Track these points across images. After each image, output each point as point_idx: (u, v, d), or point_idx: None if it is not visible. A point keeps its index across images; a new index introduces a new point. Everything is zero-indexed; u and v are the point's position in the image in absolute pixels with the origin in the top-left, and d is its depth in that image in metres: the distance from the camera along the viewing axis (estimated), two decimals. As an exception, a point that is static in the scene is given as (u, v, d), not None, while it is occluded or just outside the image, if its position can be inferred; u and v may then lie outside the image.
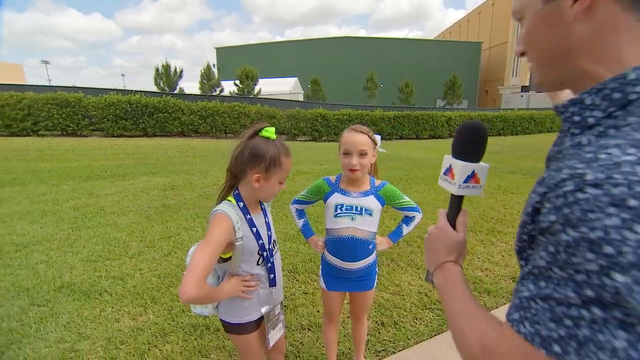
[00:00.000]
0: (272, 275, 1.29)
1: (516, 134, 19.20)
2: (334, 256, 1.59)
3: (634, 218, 0.33)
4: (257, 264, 1.25)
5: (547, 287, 0.40)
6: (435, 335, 2.21)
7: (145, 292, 2.63)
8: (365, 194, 1.55)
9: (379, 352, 2.08)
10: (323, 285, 1.67)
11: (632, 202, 0.34)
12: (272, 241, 1.31)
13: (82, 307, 2.44)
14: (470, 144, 0.69)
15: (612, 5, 0.44)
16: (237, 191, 1.22)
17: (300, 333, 2.22)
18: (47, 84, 26.17)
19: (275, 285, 1.31)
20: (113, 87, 14.63)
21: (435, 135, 17.38)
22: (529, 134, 19.63)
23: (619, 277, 0.34)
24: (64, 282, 2.75)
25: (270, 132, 1.18)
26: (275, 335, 1.33)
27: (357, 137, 1.46)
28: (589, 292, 0.36)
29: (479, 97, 49.02)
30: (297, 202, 1.70)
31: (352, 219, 1.52)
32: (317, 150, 10.45)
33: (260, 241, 1.23)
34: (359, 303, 1.74)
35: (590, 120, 0.46)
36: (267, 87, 29.47)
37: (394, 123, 16.83)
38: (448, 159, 0.72)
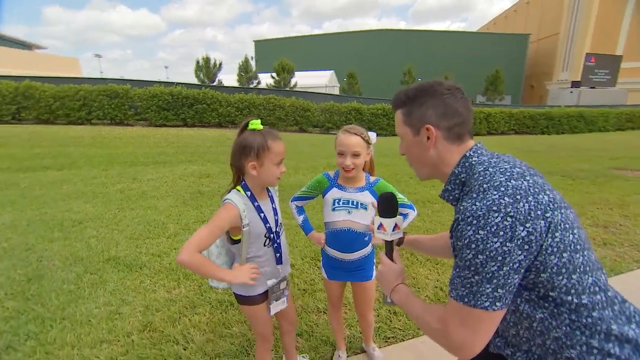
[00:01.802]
0: (278, 254, 1.45)
1: (562, 133, 18.01)
2: (332, 248, 1.70)
3: (477, 229, 0.71)
4: (264, 245, 1.40)
5: (458, 271, 0.76)
6: (445, 327, 2.28)
7: (179, 269, 2.90)
8: (361, 189, 1.65)
9: (388, 338, 2.19)
10: (324, 275, 1.79)
11: (474, 222, 0.72)
12: (278, 224, 1.45)
13: (125, 278, 2.76)
14: (388, 208, 1.09)
15: (444, 141, 0.87)
16: (243, 182, 1.38)
17: (315, 315, 2.38)
18: (99, 76, 28.17)
19: (281, 263, 1.47)
20: (157, 79, 15.46)
21: (474, 133, 16.77)
22: (577, 132, 18.33)
23: (480, 256, 0.71)
24: (110, 255, 3.10)
25: (255, 124, 1.31)
26: (278, 306, 1.49)
27: (350, 139, 1.55)
28: (472, 268, 0.72)
29: (524, 93, 46.10)
30: (297, 199, 1.80)
31: (349, 212, 1.63)
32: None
33: (268, 225, 1.38)
34: (361, 296, 1.81)
35: (456, 196, 0.88)
36: (304, 79, 29.66)
37: (429, 118, 16.42)
38: (378, 219, 1.10)
